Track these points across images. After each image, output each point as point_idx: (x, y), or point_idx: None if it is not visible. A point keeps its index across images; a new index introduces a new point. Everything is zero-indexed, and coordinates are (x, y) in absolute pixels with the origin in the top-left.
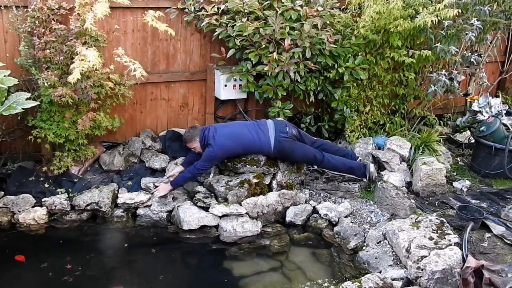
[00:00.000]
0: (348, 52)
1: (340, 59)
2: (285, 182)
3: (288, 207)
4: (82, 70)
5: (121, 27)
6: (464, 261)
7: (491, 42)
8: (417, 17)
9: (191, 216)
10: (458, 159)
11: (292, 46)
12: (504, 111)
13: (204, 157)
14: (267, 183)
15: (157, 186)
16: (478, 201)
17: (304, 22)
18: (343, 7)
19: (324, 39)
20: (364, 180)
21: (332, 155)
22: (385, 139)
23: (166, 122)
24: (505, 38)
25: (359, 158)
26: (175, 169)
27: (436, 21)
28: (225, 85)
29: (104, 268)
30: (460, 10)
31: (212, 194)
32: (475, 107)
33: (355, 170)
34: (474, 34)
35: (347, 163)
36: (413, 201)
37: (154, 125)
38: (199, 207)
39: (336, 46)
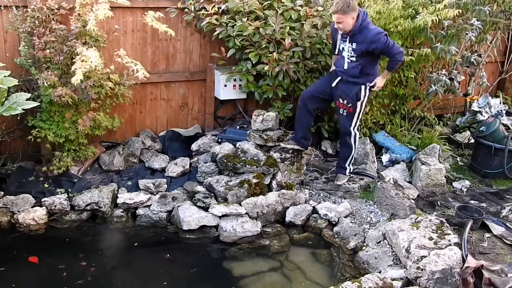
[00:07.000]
0: None
1: None
2: (284, 182)
3: (287, 207)
4: (84, 70)
5: (121, 27)
6: (463, 261)
7: (491, 42)
8: (417, 17)
9: (190, 216)
10: (458, 159)
11: (292, 46)
12: (504, 111)
13: (391, 44)
14: (266, 183)
15: (157, 186)
16: (478, 201)
17: (304, 22)
18: None
19: (324, 39)
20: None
21: None
22: (385, 135)
23: (165, 122)
24: (505, 38)
25: None
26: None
27: (436, 21)
28: (225, 85)
29: (104, 268)
30: (460, 10)
31: (211, 194)
32: (475, 107)
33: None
34: (474, 34)
35: None
36: (412, 201)
37: (154, 125)
38: (199, 207)
39: None
